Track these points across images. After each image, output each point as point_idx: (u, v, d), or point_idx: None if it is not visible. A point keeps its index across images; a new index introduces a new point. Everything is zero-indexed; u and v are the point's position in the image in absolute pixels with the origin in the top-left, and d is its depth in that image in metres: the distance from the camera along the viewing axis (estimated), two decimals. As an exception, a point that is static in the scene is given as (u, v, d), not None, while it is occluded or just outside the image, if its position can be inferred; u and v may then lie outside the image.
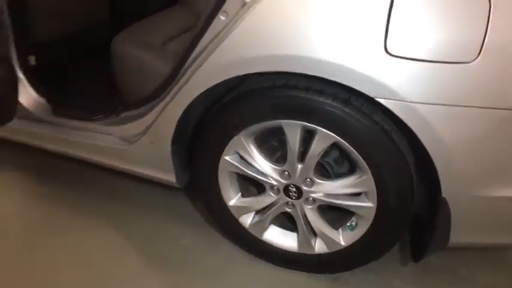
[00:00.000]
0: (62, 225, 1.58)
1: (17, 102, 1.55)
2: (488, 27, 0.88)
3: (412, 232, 1.39)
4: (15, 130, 1.67)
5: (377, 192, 1.13)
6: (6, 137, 1.76)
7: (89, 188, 1.76)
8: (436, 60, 0.92)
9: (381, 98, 0.98)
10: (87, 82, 1.77)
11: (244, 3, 1.07)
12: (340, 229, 1.29)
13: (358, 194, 1.19)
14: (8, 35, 1.46)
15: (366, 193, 1.16)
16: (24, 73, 1.57)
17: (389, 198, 1.12)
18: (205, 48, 1.16)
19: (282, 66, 1.04)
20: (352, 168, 1.20)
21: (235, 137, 1.22)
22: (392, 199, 1.12)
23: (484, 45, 0.89)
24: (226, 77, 1.12)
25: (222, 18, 1.12)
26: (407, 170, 1.09)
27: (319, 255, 1.33)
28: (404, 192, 1.12)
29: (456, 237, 1.13)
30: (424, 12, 0.91)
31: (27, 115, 1.58)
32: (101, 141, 1.52)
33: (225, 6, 1.11)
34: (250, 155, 1.24)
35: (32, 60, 1.60)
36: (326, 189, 1.21)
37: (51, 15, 1.67)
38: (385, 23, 0.92)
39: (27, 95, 1.57)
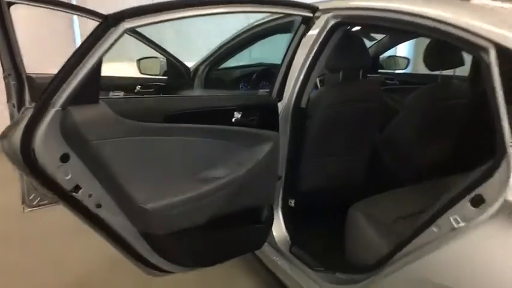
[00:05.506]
0: None
1: (269, 231, 1.94)
2: None
3: None
4: (263, 253, 2.07)
5: None
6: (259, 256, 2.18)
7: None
8: None
9: None
10: (326, 232, 2.03)
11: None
12: None
13: None
14: (279, 184, 1.90)
15: None
16: (283, 211, 1.97)
17: None
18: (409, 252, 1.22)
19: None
20: None
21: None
22: None
23: None
24: None
25: (435, 230, 1.17)
26: None
27: None
28: None
29: None
30: None
31: (272, 243, 1.96)
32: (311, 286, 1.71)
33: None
34: None
35: (292, 202, 2.00)
36: None
37: (316, 173, 2.07)
38: None
39: (277, 227, 1.95)
